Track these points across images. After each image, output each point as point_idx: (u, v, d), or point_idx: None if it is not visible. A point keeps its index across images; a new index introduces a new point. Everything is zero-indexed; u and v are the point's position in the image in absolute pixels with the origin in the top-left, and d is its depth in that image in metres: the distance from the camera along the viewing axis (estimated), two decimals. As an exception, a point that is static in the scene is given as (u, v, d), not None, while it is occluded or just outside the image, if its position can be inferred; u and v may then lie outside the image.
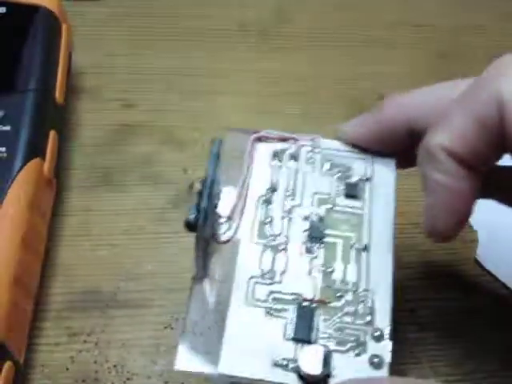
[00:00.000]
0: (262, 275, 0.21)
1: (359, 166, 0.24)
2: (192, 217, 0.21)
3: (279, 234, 0.22)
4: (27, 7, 0.32)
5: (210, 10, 0.42)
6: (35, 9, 0.32)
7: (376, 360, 0.20)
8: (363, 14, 0.43)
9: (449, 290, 0.30)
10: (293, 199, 0.23)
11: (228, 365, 0.19)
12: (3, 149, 0.28)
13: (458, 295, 0.30)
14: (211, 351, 0.20)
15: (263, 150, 0.24)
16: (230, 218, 0.23)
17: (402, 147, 0.24)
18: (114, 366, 0.28)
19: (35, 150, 0.28)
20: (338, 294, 0.21)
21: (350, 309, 0.21)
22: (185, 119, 0.36)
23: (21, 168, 0.27)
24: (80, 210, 0.32)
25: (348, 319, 0.20)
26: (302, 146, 0.24)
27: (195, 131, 0.36)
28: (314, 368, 0.19)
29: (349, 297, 0.21)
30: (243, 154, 0.24)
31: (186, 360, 0.20)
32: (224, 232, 0.23)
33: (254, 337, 0.20)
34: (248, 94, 0.38)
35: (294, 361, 0.19)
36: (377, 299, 0.21)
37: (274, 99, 0.38)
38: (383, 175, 0.24)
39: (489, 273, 0.31)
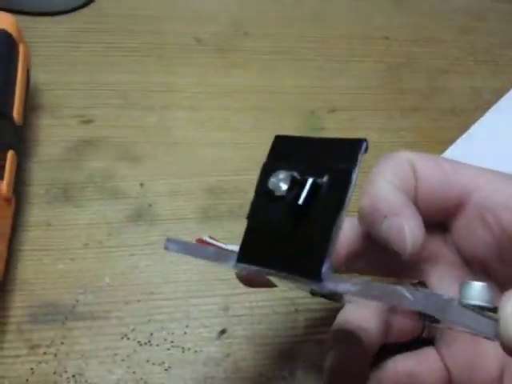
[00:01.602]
0: None
1: None
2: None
3: None
4: (-17, 29, 0.33)
5: (166, 26, 0.43)
6: (-8, 32, 0.33)
7: None
8: (318, 27, 0.44)
9: None
10: None
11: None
12: (-38, 171, 0.29)
13: None
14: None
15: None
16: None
17: None
18: (73, 376, 0.29)
19: (-6, 171, 0.29)
20: None
21: None
22: (140, 134, 0.38)
23: (-19, 190, 0.28)
24: (40, 225, 0.33)
25: None
26: None
27: (149, 146, 0.37)
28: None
29: None
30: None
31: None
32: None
33: None
34: (202, 108, 0.39)
35: None
36: None
37: (228, 113, 0.39)
38: None
39: None
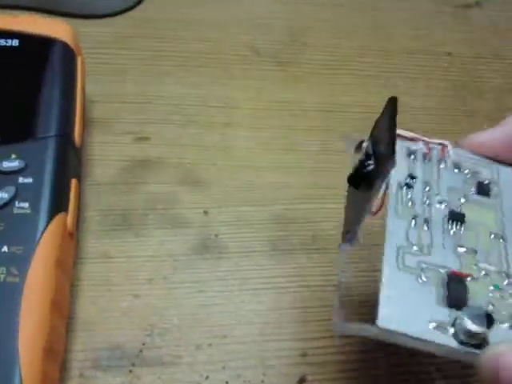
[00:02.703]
0: (411, 246, 0.23)
1: (486, 171, 0.26)
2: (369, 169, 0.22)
3: (421, 214, 0.24)
4: (41, 39, 0.30)
5: (218, 33, 0.40)
6: (50, 41, 0.30)
7: None
8: (378, 40, 0.42)
9: None
10: (430, 189, 0.25)
11: (387, 321, 0.20)
12: (26, 204, 0.26)
13: None
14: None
15: (399, 147, 0.25)
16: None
17: None
18: (144, 429, 0.26)
19: (59, 204, 0.27)
20: (483, 272, 0.22)
21: (496, 285, 0.22)
22: (201, 154, 0.35)
23: (46, 225, 0.26)
24: (98, 257, 0.31)
25: (496, 295, 0.21)
26: (433, 148, 0.26)
27: (212, 169, 0.34)
28: (480, 325, 0.19)
29: (494, 275, 0.22)
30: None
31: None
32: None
33: (408, 300, 0.21)
34: (264, 127, 0.37)
35: (453, 324, 0.20)
36: None
37: (292, 133, 0.37)
38: (508, 181, 0.26)
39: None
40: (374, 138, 0.23)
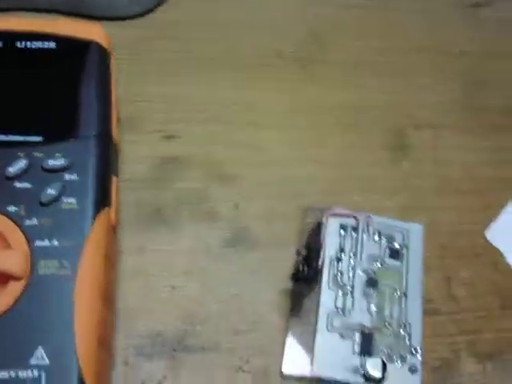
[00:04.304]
0: (337, 311, 0.30)
1: (399, 235, 0.33)
2: (304, 273, 0.31)
3: (347, 283, 0.31)
4: (78, 42, 0.31)
5: (241, 35, 0.41)
6: (86, 44, 0.31)
7: (413, 368, 0.29)
8: (392, 40, 0.43)
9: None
10: (355, 258, 0.32)
11: (318, 369, 0.29)
12: (73, 200, 0.27)
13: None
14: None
15: (334, 224, 0.33)
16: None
17: None
18: (192, 413, 0.28)
19: (104, 199, 0.28)
20: (387, 324, 0.30)
21: (396, 334, 0.30)
22: (228, 152, 0.36)
23: (93, 220, 0.27)
24: (134, 250, 0.32)
25: (394, 341, 0.30)
26: (360, 220, 0.33)
27: (241, 164, 0.36)
28: (377, 371, 0.28)
29: (394, 326, 0.30)
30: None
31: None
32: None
33: (332, 352, 0.29)
34: (288, 125, 0.38)
35: (361, 367, 0.29)
36: (412, 328, 0.30)
37: (316, 130, 0.38)
38: (415, 241, 0.33)
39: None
40: (308, 247, 0.31)
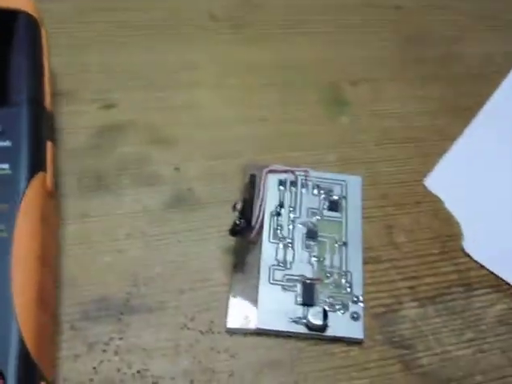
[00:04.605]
0: (278, 264, 0.31)
1: (337, 188, 0.34)
2: (241, 226, 0.30)
3: (287, 236, 0.32)
4: (7, 12, 0.31)
5: (178, 2, 0.41)
6: (15, 14, 0.31)
7: (355, 315, 0.30)
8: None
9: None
10: (294, 212, 0.33)
11: (262, 322, 0.29)
12: (6, 165, 0.27)
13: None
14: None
15: (272, 179, 0.34)
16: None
17: None
18: (138, 371, 0.28)
19: (38, 164, 0.28)
20: (328, 275, 0.31)
21: (337, 283, 0.31)
22: (168, 116, 0.36)
23: (27, 184, 0.27)
24: (77, 218, 0.32)
25: (335, 290, 0.31)
26: (298, 175, 0.34)
27: (179, 127, 0.36)
28: (318, 320, 0.29)
29: (335, 276, 0.31)
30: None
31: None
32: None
33: (275, 304, 0.30)
34: (225, 86, 0.38)
35: (304, 317, 0.29)
36: (353, 277, 0.31)
37: (252, 89, 0.38)
38: (353, 192, 0.34)
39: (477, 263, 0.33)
40: (244, 200, 0.31)
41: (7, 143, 0.28)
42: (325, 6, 0.43)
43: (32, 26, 0.32)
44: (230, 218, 0.32)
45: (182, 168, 0.34)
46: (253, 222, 0.31)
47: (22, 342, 0.24)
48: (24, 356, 0.24)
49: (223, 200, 0.33)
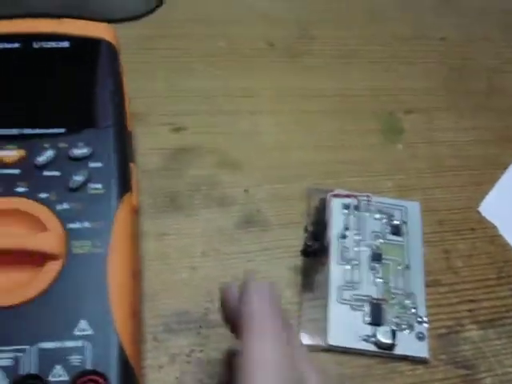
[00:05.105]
0: (346, 284, 0.33)
1: (397, 213, 0.36)
2: (313, 248, 0.32)
3: (354, 258, 0.34)
4: (89, 41, 0.33)
5: (236, 30, 0.44)
6: (98, 42, 0.33)
7: (421, 335, 0.31)
8: (375, 28, 0.46)
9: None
10: (359, 235, 0.34)
11: (333, 339, 0.31)
12: (99, 185, 0.29)
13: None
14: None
15: (337, 204, 0.35)
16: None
17: None
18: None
19: (126, 183, 0.30)
20: (393, 296, 0.33)
21: (402, 304, 0.32)
22: (234, 140, 0.38)
23: (118, 203, 0.29)
24: (153, 235, 0.34)
25: (401, 310, 0.32)
26: (361, 200, 0.36)
27: (245, 151, 0.38)
28: (388, 339, 0.31)
29: (400, 297, 0.33)
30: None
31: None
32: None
33: (345, 323, 0.31)
34: (284, 112, 0.40)
35: (373, 336, 0.31)
36: (417, 298, 0.33)
37: (310, 116, 0.40)
38: (413, 217, 0.36)
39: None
40: (316, 222, 0.33)
41: (98, 164, 0.29)
42: (375, 36, 0.45)
43: (113, 53, 0.33)
44: (297, 239, 0.33)
45: (251, 190, 0.36)
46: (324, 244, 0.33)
47: (121, 349, 0.25)
48: (123, 362, 0.25)
49: (289, 222, 0.35)
